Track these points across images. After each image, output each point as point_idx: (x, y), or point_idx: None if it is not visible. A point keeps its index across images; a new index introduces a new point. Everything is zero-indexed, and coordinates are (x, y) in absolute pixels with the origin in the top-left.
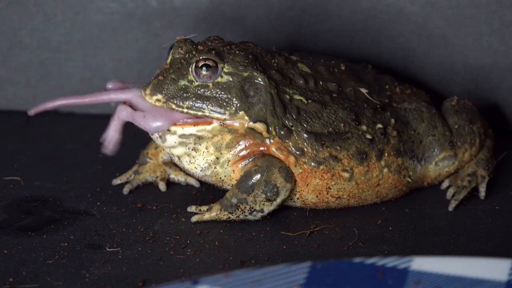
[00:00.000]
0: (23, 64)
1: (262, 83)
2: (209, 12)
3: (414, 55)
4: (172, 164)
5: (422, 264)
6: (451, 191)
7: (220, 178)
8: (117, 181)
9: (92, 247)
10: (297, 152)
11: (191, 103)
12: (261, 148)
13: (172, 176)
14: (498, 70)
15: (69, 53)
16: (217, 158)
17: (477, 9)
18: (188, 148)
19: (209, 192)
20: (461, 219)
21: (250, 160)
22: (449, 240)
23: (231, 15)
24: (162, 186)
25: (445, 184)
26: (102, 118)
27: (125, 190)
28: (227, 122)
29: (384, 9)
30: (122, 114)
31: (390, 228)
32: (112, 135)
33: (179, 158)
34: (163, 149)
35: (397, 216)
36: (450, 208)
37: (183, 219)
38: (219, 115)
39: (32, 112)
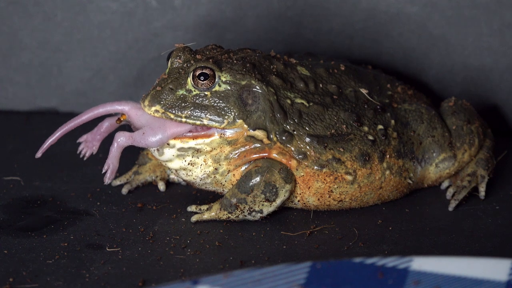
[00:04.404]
0: (23, 64)
1: (260, 91)
2: (209, 12)
3: (414, 55)
4: None
5: (422, 264)
6: (450, 191)
7: (221, 183)
8: (116, 182)
9: (92, 247)
10: (299, 156)
11: (189, 112)
12: (262, 155)
13: (172, 176)
14: (498, 70)
15: (69, 53)
16: (216, 169)
17: (477, 9)
18: (185, 162)
19: (209, 192)
20: (461, 219)
21: (250, 163)
22: (449, 240)
23: (231, 15)
24: (161, 186)
25: (445, 184)
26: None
27: (124, 191)
28: (227, 132)
29: (384, 9)
30: (122, 140)
31: (390, 228)
32: (114, 165)
33: (176, 171)
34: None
35: (397, 216)
36: (450, 208)
37: (183, 219)
38: (217, 124)
39: (39, 153)
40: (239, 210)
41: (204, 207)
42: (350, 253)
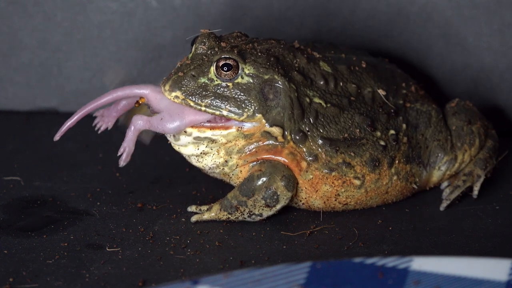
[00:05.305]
0: (23, 64)
1: (282, 87)
2: (209, 12)
3: (414, 55)
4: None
5: (422, 264)
6: (447, 191)
7: (228, 175)
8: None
9: (92, 247)
10: (310, 158)
11: (209, 101)
12: (273, 153)
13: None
14: (498, 70)
15: (69, 53)
16: (226, 161)
17: (477, 9)
18: (198, 150)
19: (209, 192)
20: (461, 219)
21: (257, 163)
22: (449, 240)
23: (231, 15)
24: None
25: (444, 184)
26: None
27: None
28: (245, 125)
29: (384, 9)
30: (139, 124)
31: (390, 228)
32: (130, 147)
33: (188, 156)
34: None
35: (397, 216)
36: (441, 208)
37: (183, 219)
38: (236, 116)
39: (57, 136)
40: (239, 212)
41: (204, 207)
42: (350, 253)
